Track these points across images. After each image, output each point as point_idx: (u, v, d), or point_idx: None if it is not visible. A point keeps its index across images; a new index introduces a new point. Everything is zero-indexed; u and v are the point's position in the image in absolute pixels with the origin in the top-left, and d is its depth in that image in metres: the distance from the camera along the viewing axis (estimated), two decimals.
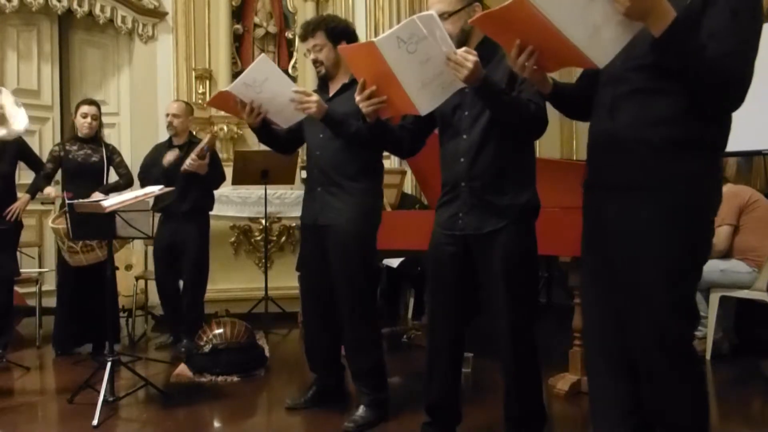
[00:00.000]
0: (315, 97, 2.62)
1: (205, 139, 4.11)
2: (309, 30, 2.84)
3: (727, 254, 3.89)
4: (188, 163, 3.97)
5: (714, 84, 1.55)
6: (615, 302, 1.76)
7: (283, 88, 2.62)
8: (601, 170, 1.78)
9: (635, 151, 1.68)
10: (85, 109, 4.18)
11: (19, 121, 3.92)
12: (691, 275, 1.70)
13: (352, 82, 2.78)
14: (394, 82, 2.07)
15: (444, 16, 2.24)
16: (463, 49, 2.03)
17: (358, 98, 2.19)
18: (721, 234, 3.86)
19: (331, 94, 2.87)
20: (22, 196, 4.16)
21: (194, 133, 4.58)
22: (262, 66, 2.54)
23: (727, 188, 3.96)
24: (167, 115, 4.25)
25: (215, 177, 4.24)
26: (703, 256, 1.72)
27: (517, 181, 2.26)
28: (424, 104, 2.11)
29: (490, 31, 1.77)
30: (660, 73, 1.62)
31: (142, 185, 4.19)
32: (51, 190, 4.15)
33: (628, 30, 1.55)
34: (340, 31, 2.83)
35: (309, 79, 5.74)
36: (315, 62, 2.88)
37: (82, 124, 4.15)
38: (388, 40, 1.97)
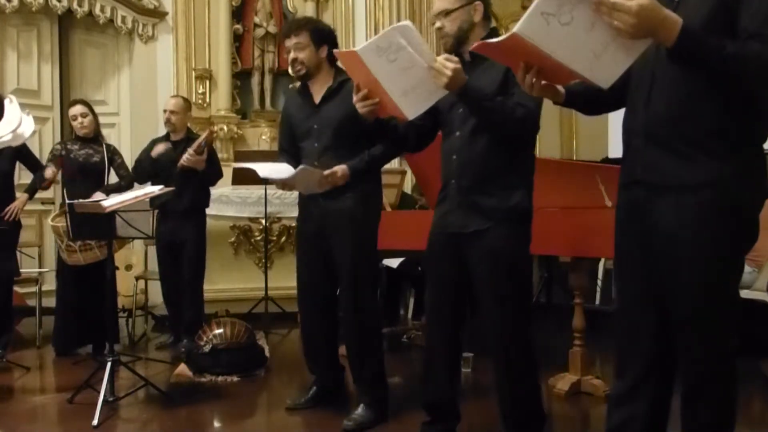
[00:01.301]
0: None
1: (203, 135, 4.11)
2: (294, 28, 2.84)
3: None
4: (185, 158, 3.97)
5: (747, 76, 1.51)
6: (646, 304, 1.74)
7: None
8: (636, 167, 1.72)
9: (671, 148, 1.63)
10: (72, 111, 4.18)
11: (25, 127, 3.93)
12: (731, 276, 1.66)
13: (340, 86, 2.81)
14: (380, 88, 2.11)
15: (443, 13, 2.25)
16: (443, 56, 2.04)
17: (354, 99, 2.20)
18: None
19: (317, 100, 2.87)
20: (21, 195, 4.15)
21: (195, 131, 4.58)
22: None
23: None
24: (165, 111, 4.25)
25: (212, 174, 4.24)
26: (743, 256, 1.68)
27: (507, 183, 2.25)
28: (410, 109, 2.13)
29: (493, 57, 1.78)
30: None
31: (136, 179, 4.20)
32: (49, 171, 4.09)
33: (632, 51, 1.52)
34: (324, 35, 2.84)
35: None
36: (294, 62, 2.84)
37: (76, 126, 4.16)
38: (369, 49, 2.01)
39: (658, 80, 1.65)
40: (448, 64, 2.00)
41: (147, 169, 4.12)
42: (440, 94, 2.10)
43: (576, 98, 1.88)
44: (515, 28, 1.52)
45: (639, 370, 1.76)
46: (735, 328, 1.69)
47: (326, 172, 2.68)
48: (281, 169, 2.79)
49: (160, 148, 4.07)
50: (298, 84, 3.00)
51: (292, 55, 2.84)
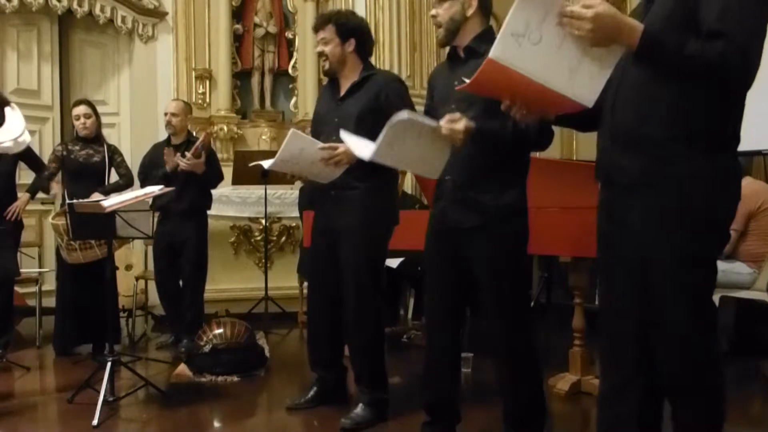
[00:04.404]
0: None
1: (201, 138, 4.12)
2: (320, 22, 2.85)
3: (730, 256, 3.88)
4: (184, 162, 3.98)
5: (709, 76, 1.52)
6: (626, 303, 1.73)
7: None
8: (604, 167, 1.76)
9: (635, 148, 1.64)
10: (75, 111, 4.19)
11: (26, 136, 3.98)
12: (700, 276, 1.63)
13: (363, 81, 2.80)
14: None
15: (438, 1, 2.28)
16: (444, 119, 2.07)
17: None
18: None
19: (342, 93, 2.85)
20: (22, 195, 4.16)
21: (194, 133, 4.58)
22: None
23: (745, 189, 3.92)
24: (166, 114, 4.26)
25: (212, 176, 4.25)
26: (713, 257, 1.66)
27: (502, 180, 2.25)
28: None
29: (482, 92, 1.78)
30: None
31: (143, 185, 4.21)
32: (54, 186, 4.14)
33: (606, 62, 1.53)
34: (350, 29, 2.81)
35: (309, 80, 5.74)
36: (320, 55, 2.86)
37: (78, 126, 4.17)
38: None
39: (623, 83, 1.66)
40: (455, 125, 2.03)
41: (157, 180, 4.12)
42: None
43: (568, 117, 1.89)
44: (489, 53, 1.53)
45: (624, 371, 1.75)
46: (713, 333, 1.68)
47: (323, 144, 2.60)
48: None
49: (171, 163, 4.06)
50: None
51: (318, 48, 2.87)
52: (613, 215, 1.74)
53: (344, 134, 2.40)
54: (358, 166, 2.71)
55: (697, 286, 1.63)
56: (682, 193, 1.59)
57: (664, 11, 1.60)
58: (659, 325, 1.65)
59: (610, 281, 1.79)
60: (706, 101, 1.57)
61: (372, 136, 2.52)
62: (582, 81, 1.55)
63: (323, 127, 2.87)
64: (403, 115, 1.98)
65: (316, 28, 2.86)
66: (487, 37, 2.27)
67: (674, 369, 1.65)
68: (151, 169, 4.26)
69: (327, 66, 2.85)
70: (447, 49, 2.41)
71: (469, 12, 2.26)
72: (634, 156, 1.65)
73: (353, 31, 2.81)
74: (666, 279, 1.62)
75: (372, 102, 2.74)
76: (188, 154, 3.98)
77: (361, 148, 2.20)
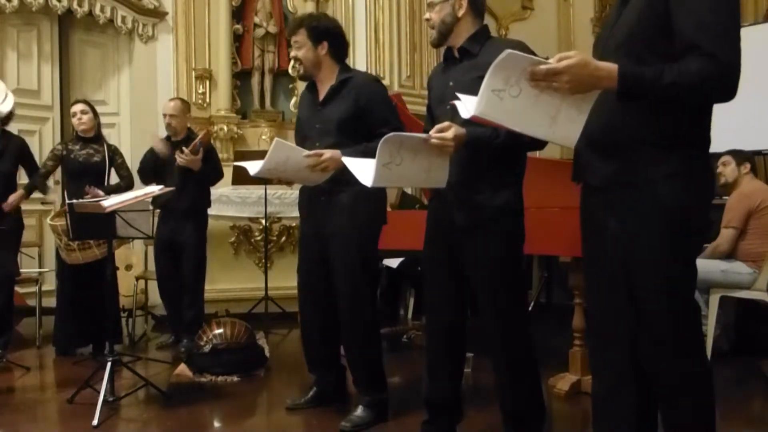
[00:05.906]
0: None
1: (200, 135, 4.12)
2: (292, 27, 2.85)
3: (730, 256, 3.88)
4: (181, 158, 3.98)
5: (691, 98, 1.55)
6: (612, 302, 1.73)
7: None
8: (580, 170, 1.77)
9: (608, 151, 1.66)
10: (73, 108, 4.20)
11: (6, 104, 3.97)
12: (681, 276, 1.64)
13: (341, 84, 2.79)
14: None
15: (430, 6, 2.30)
16: (434, 129, 2.07)
17: None
18: (725, 236, 3.86)
19: (321, 98, 2.84)
20: (18, 191, 4.14)
21: (195, 131, 4.57)
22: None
23: (745, 187, 3.92)
24: (165, 115, 4.26)
25: (211, 174, 4.24)
26: (691, 255, 1.68)
27: (495, 181, 2.24)
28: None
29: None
30: (636, 54, 1.59)
31: (141, 179, 4.21)
32: (54, 197, 4.14)
33: (584, 105, 1.56)
34: (321, 32, 2.79)
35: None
36: (295, 59, 2.85)
37: (75, 123, 4.18)
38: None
39: None
40: (445, 134, 2.04)
41: (149, 163, 4.13)
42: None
43: None
44: (473, 109, 1.57)
45: (617, 371, 1.75)
46: (697, 332, 1.69)
47: (308, 152, 2.58)
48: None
49: (160, 146, 4.08)
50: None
51: (291, 53, 2.85)
52: (591, 217, 1.76)
53: (346, 159, 2.34)
54: (345, 169, 2.71)
55: (678, 285, 1.64)
56: (656, 194, 1.61)
57: (635, 14, 1.62)
58: (643, 324, 1.65)
59: (595, 282, 1.80)
60: (677, 105, 1.58)
61: (354, 141, 2.64)
62: (562, 126, 1.59)
63: (306, 133, 2.87)
64: (389, 135, 1.98)
65: (290, 33, 2.86)
66: (481, 36, 2.29)
67: (660, 368, 1.66)
68: (149, 165, 4.26)
69: (300, 71, 2.86)
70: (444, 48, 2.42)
71: (460, 13, 2.26)
72: (608, 159, 1.67)
73: (325, 34, 2.80)
74: (646, 279, 1.63)
75: (352, 107, 2.74)
76: (186, 150, 3.98)
77: (363, 173, 2.16)
